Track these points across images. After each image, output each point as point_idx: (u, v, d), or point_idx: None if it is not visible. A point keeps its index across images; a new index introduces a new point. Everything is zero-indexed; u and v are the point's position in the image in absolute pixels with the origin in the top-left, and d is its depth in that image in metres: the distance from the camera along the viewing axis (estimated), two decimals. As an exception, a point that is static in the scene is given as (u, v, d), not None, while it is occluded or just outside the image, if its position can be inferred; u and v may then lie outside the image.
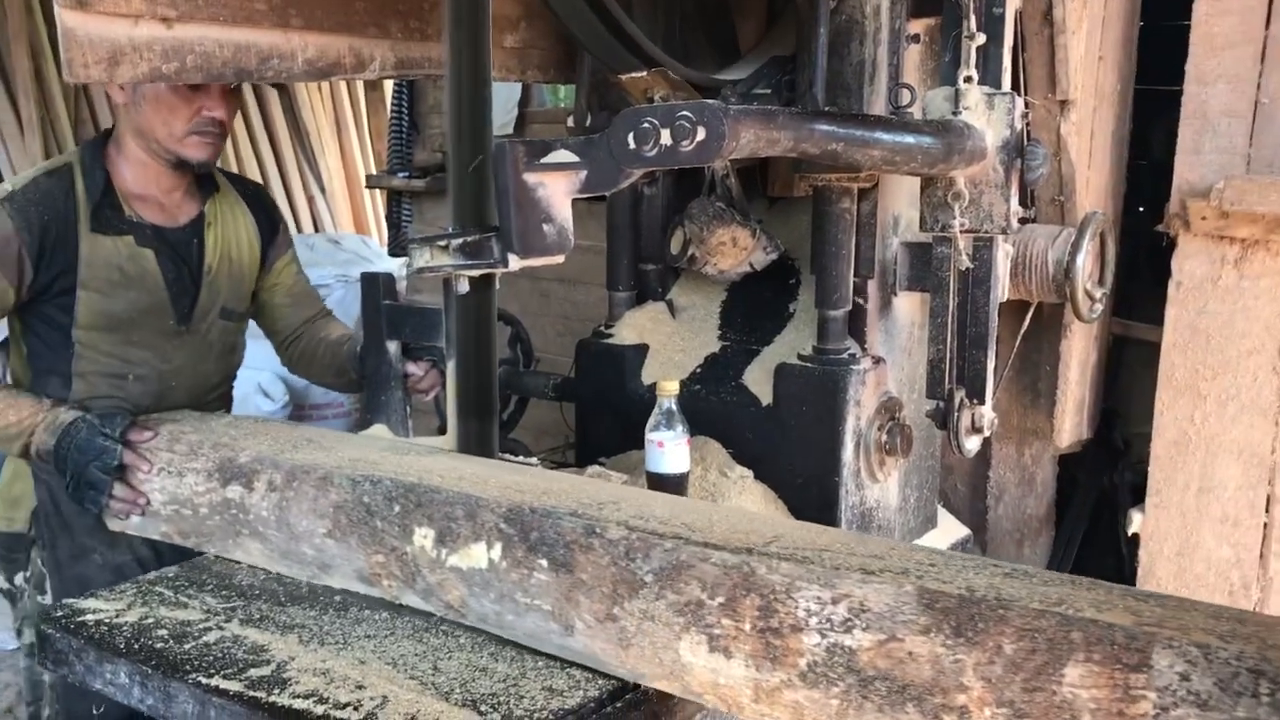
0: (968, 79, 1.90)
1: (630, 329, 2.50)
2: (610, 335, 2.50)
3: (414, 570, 1.72)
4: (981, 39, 1.89)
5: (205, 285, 2.39)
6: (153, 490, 2.05)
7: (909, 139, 1.78)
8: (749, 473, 2.23)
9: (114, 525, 2.13)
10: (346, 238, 6.28)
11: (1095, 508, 3.08)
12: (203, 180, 2.40)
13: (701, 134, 1.46)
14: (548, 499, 1.65)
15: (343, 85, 6.90)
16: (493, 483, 1.74)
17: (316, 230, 6.77)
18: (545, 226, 1.69)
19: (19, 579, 2.44)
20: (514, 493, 1.68)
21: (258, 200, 2.55)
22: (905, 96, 2.00)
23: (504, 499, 1.66)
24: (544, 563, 1.57)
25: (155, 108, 2.21)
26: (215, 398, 2.52)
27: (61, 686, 2.29)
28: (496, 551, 1.63)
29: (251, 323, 2.62)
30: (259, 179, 6.45)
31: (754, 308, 2.46)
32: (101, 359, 2.29)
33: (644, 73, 2.09)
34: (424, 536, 1.70)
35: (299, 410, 4.94)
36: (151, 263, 2.30)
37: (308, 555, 1.86)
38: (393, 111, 4.76)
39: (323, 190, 6.86)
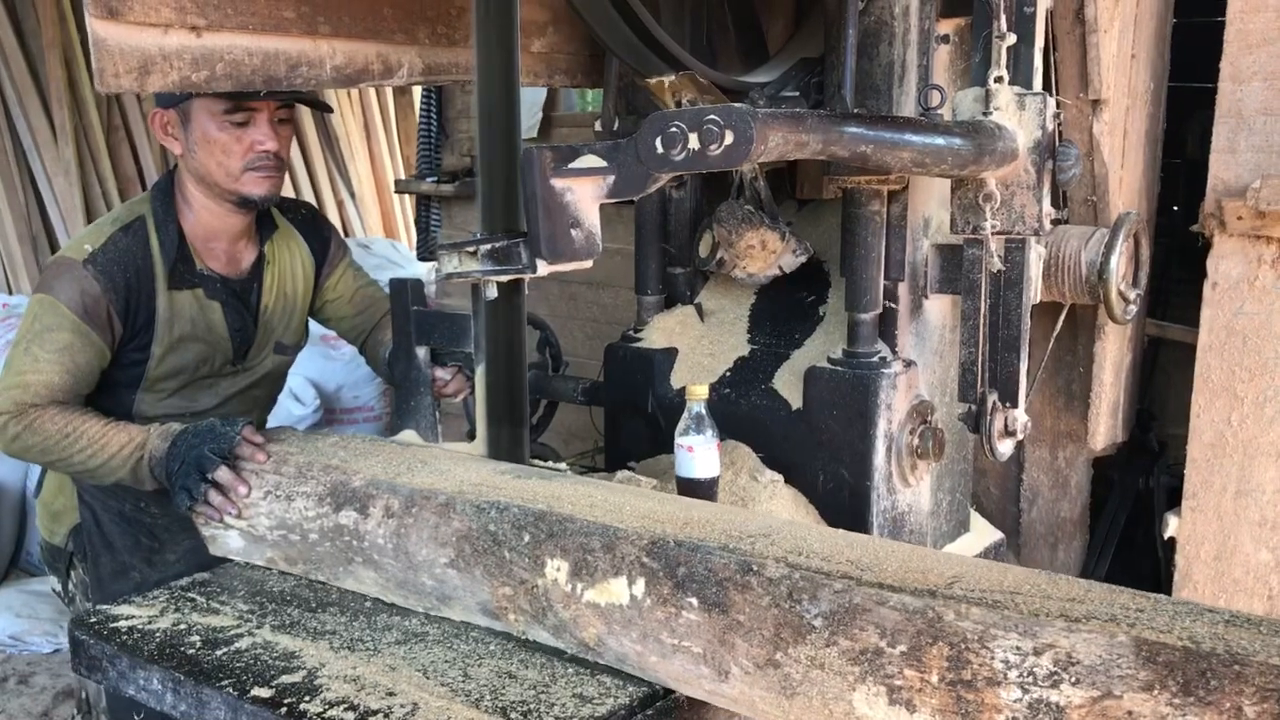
0: (998, 79, 1.89)
1: (659, 333, 2.49)
2: (639, 339, 2.49)
3: (545, 605, 1.64)
4: (1012, 39, 1.87)
5: (261, 325, 2.43)
6: (259, 514, 1.99)
7: (939, 140, 1.76)
8: (779, 477, 2.22)
9: (215, 550, 2.06)
10: (376, 242, 6.31)
11: (1131, 511, 3.05)
12: (262, 222, 2.42)
13: (729, 138, 1.46)
14: (691, 530, 1.57)
15: (372, 90, 6.93)
16: (628, 511, 1.66)
17: (346, 235, 6.80)
18: (573, 231, 1.69)
19: (70, 585, 2.49)
20: (653, 523, 1.61)
21: (311, 226, 2.58)
22: (935, 98, 1.98)
23: (644, 530, 1.58)
24: (694, 601, 1.49)
25: (209, 150, 2.22)
26: (262, 421, 2.60)
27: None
28: (639, 587, 1.54)
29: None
30: (289, 184, 6.49)
31: (783, 311, 2.44)
32: (163, 402, 2.35)
33: (671, 76, 2.09)
34: (557, 569, 1.62)
35: (329, 414, 4.96)
36: (218, 314, 2.36)
37: (427, 586, 1.78)
38: (421, 116, 4.79)
39: (352, 195, 6.89)
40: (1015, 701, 1.24)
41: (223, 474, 1.99)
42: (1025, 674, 1.24)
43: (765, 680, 1.43)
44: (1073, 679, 1.21)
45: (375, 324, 2.64)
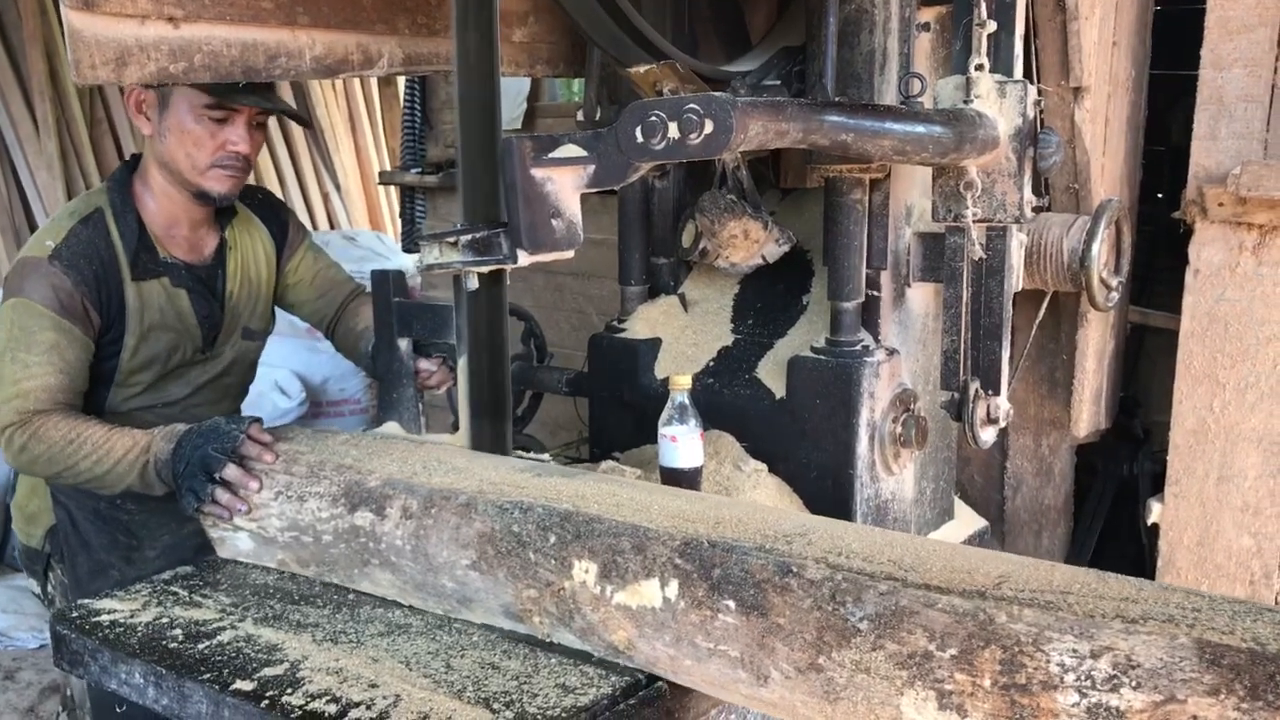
0: (979, 67, 1.88)
1: (643, 323, 2.49)
2: (623, 329, 2.49)
3: (572, 607, 1.60)
4: (993, 26, 1.87)
5: (228, 311, 2.42)
6: (270, 515, 1.93)
7: (920, 129, 1.76)
8: (763, 466, 2.22)
9: (224, 552, 2.00)
10: (362, 234, 6.29)
11: (1114, 497, 3.06)
12: (221, 208, 2.39)
13: (709, 127, 1.45)
14: (723, 530, 1.54)
15: (356, 81, 6.90)
16: (656, 510, 1.62)
17: (332, 227, 6.78)
18: (554, 222, 1.68)
19: (49, 586, 2.48)
20: (684, 522, 1.57)
21: (268, 208, 2.55)
22: (916, 85, 1.98)
23: (675, 530, 1.55)
24: (731, 604, 1.45)
25: (180, 139, 2.19)
26: (234, 410, 2.57)
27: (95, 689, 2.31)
28: (672, 589, 1.50)
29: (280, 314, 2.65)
30: (275, 177, 6.46)
31: (767, 300, 2.45)
32: (135, 397, 2.33)
33: (653, 65, 2.08)
34: (585, 570, 1.58)
35: (315, 407, 4.95)
36: (185, 301, 2.34)
37: (447, 588, 1.74)
38: (405, 107, 4.77)
39: (338, 187, 6.87)
40: (1073, 706, 1.20)
41: (230, 471, 1.94)
42: (1083, 677, 1.21)
43: (807, 685, 1.39)
44: (1133, 683, 1.18)
45: (340, 308, 2.62)
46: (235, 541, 1.99)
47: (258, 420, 2.04)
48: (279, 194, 6.30)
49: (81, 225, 2.22)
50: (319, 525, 1.88)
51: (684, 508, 1.63)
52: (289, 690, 1.53)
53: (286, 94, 6.44)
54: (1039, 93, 1.97)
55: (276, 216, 2.55)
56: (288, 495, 1.92)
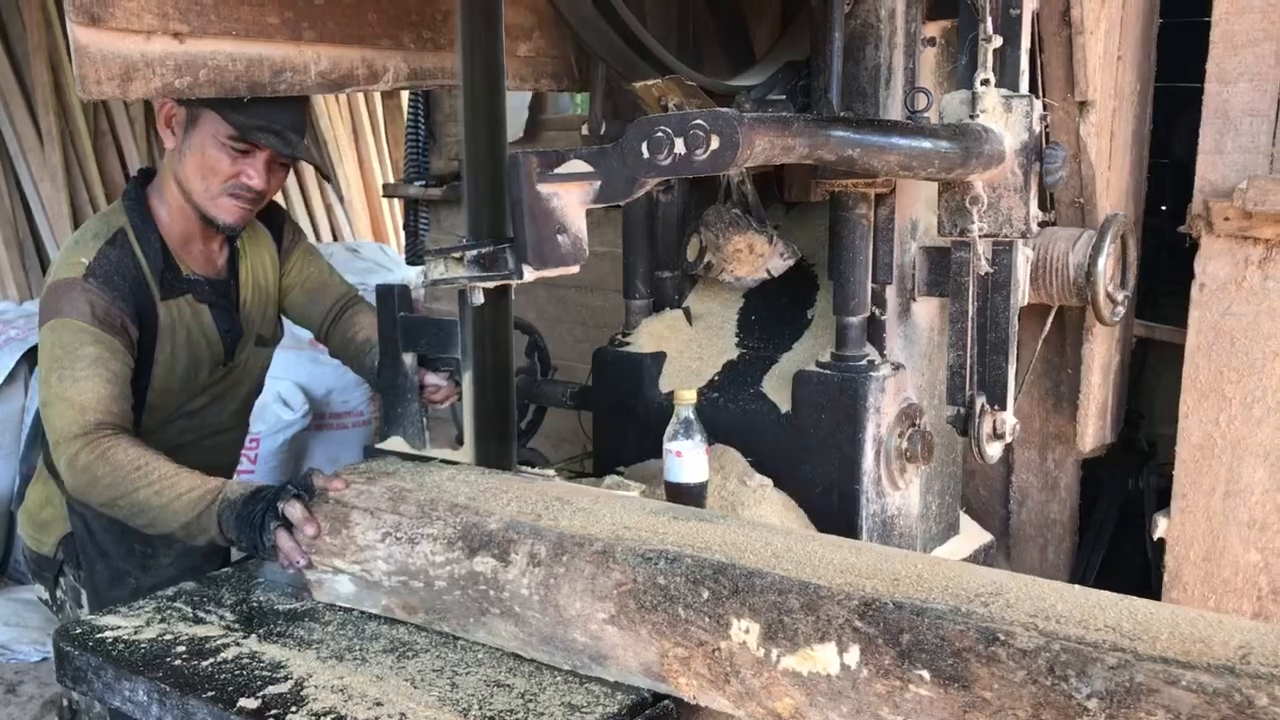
0: (985, 82, 1.89)
1: (647, 337, 2.48)
2: (627, 343, 2.49)
3: (728, 670, 1.48)
4: (998, 41, 1.87)
5: (243, 319, 2.44)
6: (376, 558, 1.81)
7: (925, 144, 1.76)
8: (768, 481, 2.22)
9: (321, 595, 1.89)
10: (365, 246, 6.29)
11: (1120, 512, 3.05)
12: None
13: (715, 142, 1.45)
14: (904, 588, 1.41)
15: (360, 94, 6.91)
16: (822, 563, 1.50)
17: (335, 239, 6.78)
18: (559, 237, 1.68)
19: (59, 592, 2.48)
20: (858, 578, 1.44)
21: (268, 214, 2.55)
22: (922, 100, 1.98)
23: (850, 587, 1.42)
24: (925, 674, 1.32)
25: (199, 161, 2.19)
26: (244, 416, 2.61)
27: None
28: (853, 655, 1.37)
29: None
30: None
31: (771, 314, 2.44)
32: (165, 409, 2.34)
33: (657, 80, 2.08)
34: (744, 630, 1.45)
35: (319, 419, 4.93)
36: (208, 316, 2.36)
37: (578, 643, 1.61)
38: (409, 120, 4.78)
39: (341, 199, 6.87)
40: None
41: (294, 509, 1.86)
42: None
43: None
44: None
45: (331, 313, 2.60)
46: (335, 585, 1.88)
47: (337, 474, 1.99)
48: (283, 205, 6.32)
49: (109, 246, 2.21)
50: (431, 570, 1.75)
51: (853, 560, 1.51)
52: (293, 708, 1.52)
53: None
54: (1044, 107, 1.97)
55: (276, 220, 2.56)
56: (396, 537, 1.80)
